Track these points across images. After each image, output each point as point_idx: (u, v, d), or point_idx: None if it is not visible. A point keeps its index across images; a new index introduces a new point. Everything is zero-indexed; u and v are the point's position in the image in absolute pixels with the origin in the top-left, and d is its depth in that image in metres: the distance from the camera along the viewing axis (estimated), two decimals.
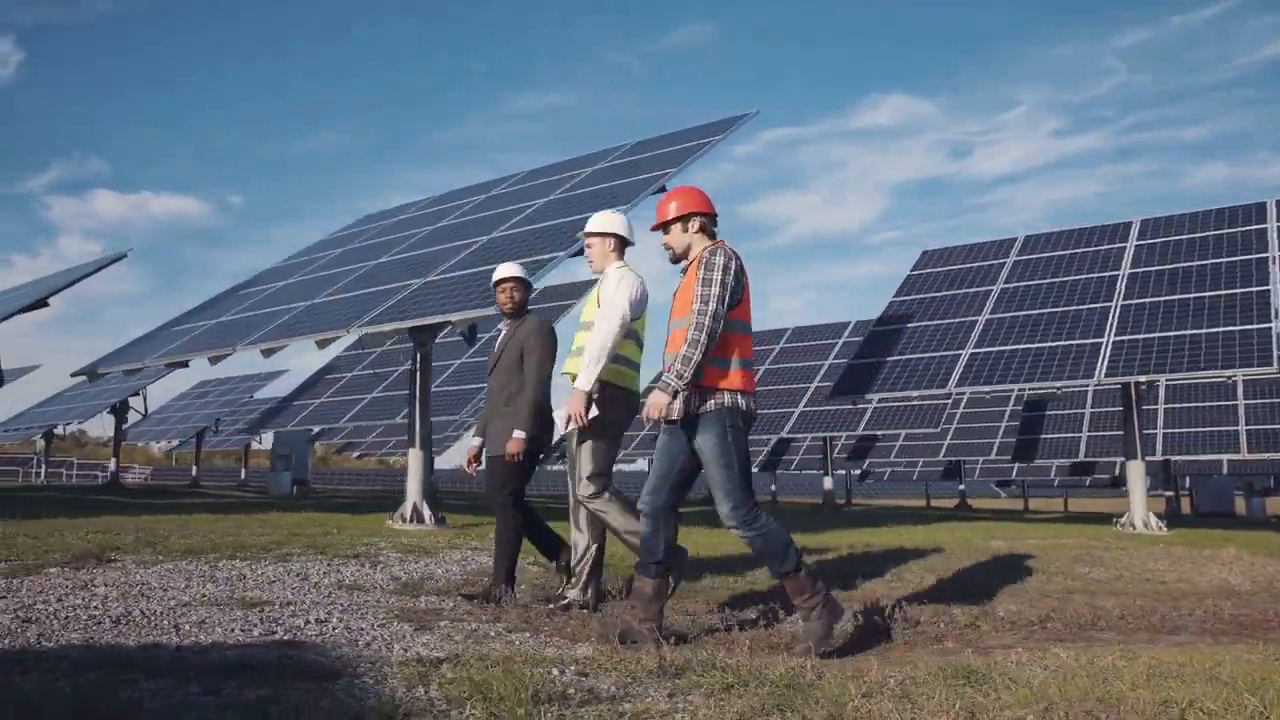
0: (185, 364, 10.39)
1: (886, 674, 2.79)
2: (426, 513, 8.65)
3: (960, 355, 12.64)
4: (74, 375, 13.09)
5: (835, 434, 20.83)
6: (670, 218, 3.84)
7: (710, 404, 3.57)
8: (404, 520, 8.58)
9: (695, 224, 3.83)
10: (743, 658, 3.01)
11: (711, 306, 3.53)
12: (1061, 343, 11.99)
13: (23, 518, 8.07)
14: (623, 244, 4.49)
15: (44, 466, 36.75)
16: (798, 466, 34.40)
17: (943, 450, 28.72)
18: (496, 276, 4.95)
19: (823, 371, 21.54)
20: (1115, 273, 13.22)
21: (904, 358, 13.16)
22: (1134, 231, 14.12)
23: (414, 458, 8.89)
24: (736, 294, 3.64)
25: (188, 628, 3.35)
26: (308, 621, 3.57)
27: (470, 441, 4.99)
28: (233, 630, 3.34)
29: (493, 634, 3.60)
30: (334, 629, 3.48)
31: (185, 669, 2.64)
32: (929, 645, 3.95)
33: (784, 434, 20.71)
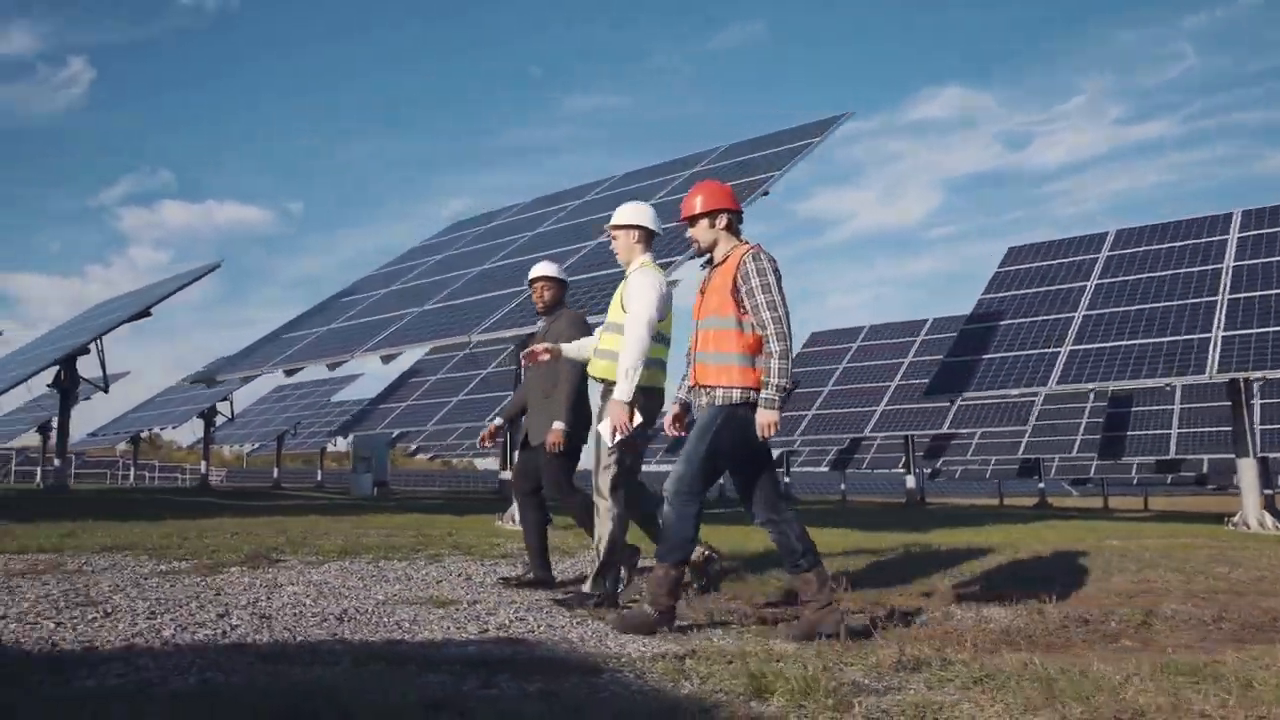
0: (300, 369, 10.73)
1: (1115, 669, 2.82)
2: None
3: (1059, 353, 12.47)
4: (191, 382, 13.56)
5: (920, 432, 20.62)
6: (697, 212, 3.86)
7: (720, 393, 3.67)
8: (513, 521, 8.73)
9: (722, 220, 3.86)
10: (967, 653, 3.07)
11: (781, 312, 3.62)
12: (1166, 338, 11.76)
13: (148, 519, 8.44)
14: (649, 236, 4.48)
15: (132, 469, 38.17)
16: (869, 465, 34.15)
17: (1021, 448, 28.26)
18: (530, 276, 5.09)
19: (903, 369, 21.33)
20: (1218, 266, 12.93)
21: (999, 355, 13.03)
22: (1235, 223, 13.77)
23: None
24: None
25: (407, 624, 3.51)
26: (510, 619, 3.72)
27: (494, 421, 5.31)
28: (448, 628, 3.48)
29: (691, 628, 3.71)
30: (538, 626, 3.62)
31: (439, 663, 2.78)
32: (1106, 644, 3.95)
33: (865, 433, 20.56)
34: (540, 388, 4.82)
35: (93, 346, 17.27)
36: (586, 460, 4.65)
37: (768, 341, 3.63)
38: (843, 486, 35.45)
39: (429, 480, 52.32)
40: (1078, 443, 26.71)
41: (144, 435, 34.63)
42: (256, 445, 35.67)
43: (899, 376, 21.22)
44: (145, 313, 17.78)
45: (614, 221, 4.49)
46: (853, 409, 20.89)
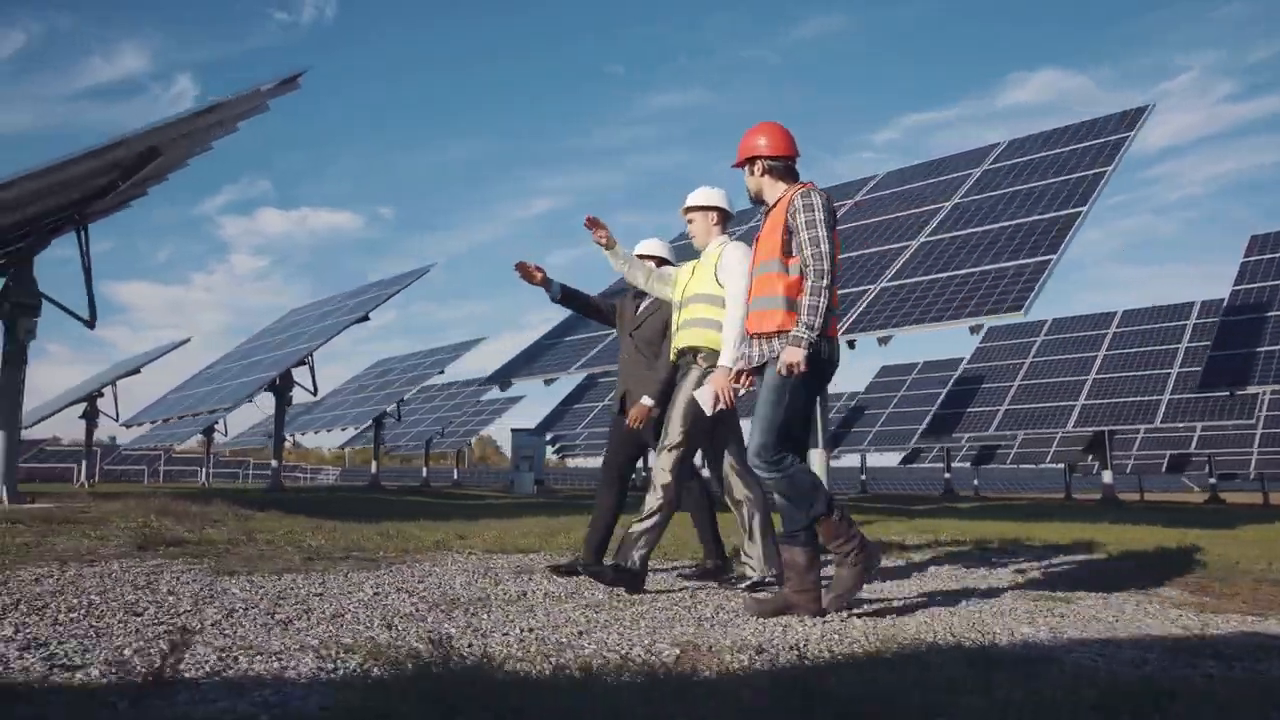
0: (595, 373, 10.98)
1: None
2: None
3: None
4: (484, 384, 14.00)
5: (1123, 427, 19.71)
6: (736, 162, 3.80)
7: (773, 347, 3.49)
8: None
9: (759, 167, 3.73)
10: None
11: (824, 248, 3.43)
12: None
13: (464, 518, 8.66)
14: (725, 217, 4.46)
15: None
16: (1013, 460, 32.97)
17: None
18: (636, 253, 4.95)
19: (1180, 357, 19.96)
20: None
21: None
22: None
23: None
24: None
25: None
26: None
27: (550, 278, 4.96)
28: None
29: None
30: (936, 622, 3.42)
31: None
32: None
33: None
34: (638, 362, 4.67)
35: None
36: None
37: (806, 278, 3.45)
38: (975, 481, 34.30)
39: (573, 479, 52.15)
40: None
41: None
42: (415, 443, 35.88)
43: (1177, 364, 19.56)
44: (364, 318, 18.38)
45: (691, 203, 4.46)
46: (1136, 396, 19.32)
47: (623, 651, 2.74)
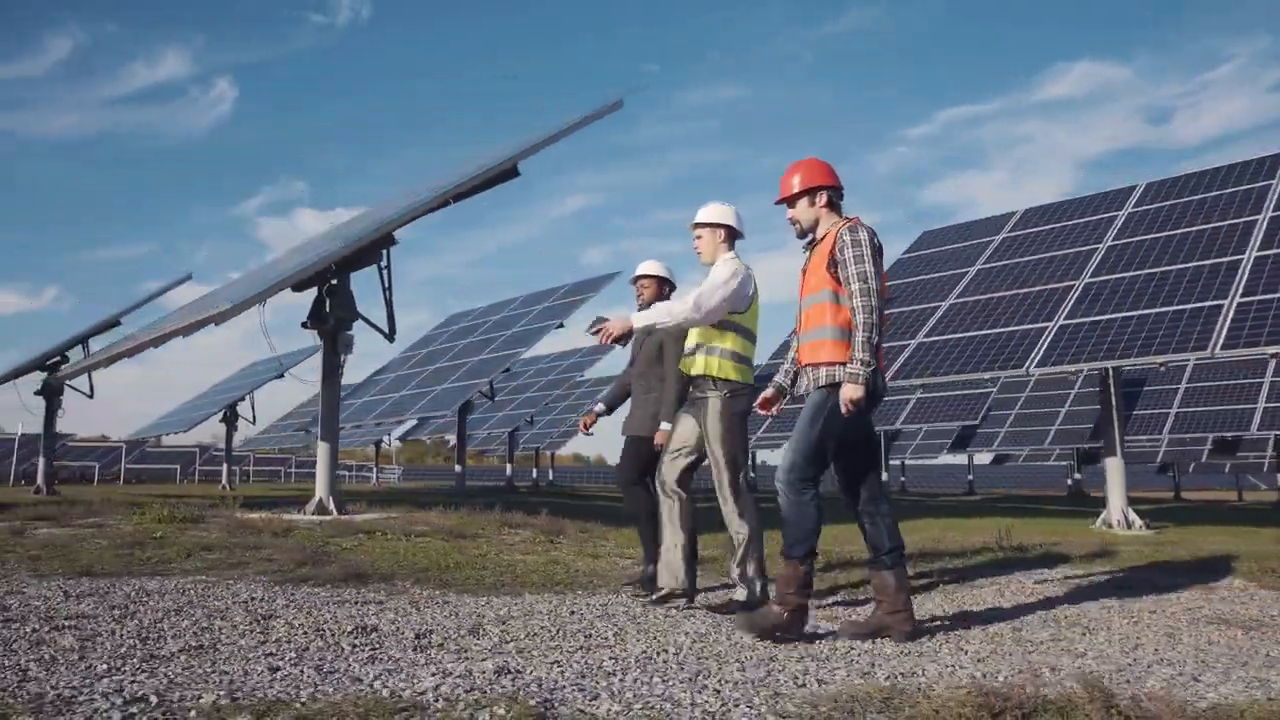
0: None
1: None
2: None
3: None
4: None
5: None
6: (796, 191, 3.74)
7: (820, 378, 3.58)
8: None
9: (822, 198, 3.73)
10: None
11: (873, 284, 3.47)
12: None
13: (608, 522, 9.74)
14: (733, 235, 4.37)
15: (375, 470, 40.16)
16: None
17: None
18: (635, 274, 5.11)
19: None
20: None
21: None
22: None
23: None
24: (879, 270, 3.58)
25: None
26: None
27: (595, 409, 5.35)
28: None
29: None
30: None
31: None
32: None
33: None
34: (642, 384, 4.89)
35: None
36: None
37: (855, 313, 3.49)
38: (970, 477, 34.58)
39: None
40: None
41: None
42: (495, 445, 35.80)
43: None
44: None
45: (699, 219, 4.39)
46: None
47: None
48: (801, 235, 3.83)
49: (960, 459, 36.89)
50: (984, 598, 4.85)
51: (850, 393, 3.43)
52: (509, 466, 30.14)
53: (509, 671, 2.85)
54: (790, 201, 3.77)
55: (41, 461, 16.77)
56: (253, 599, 4.20)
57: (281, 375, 24.21)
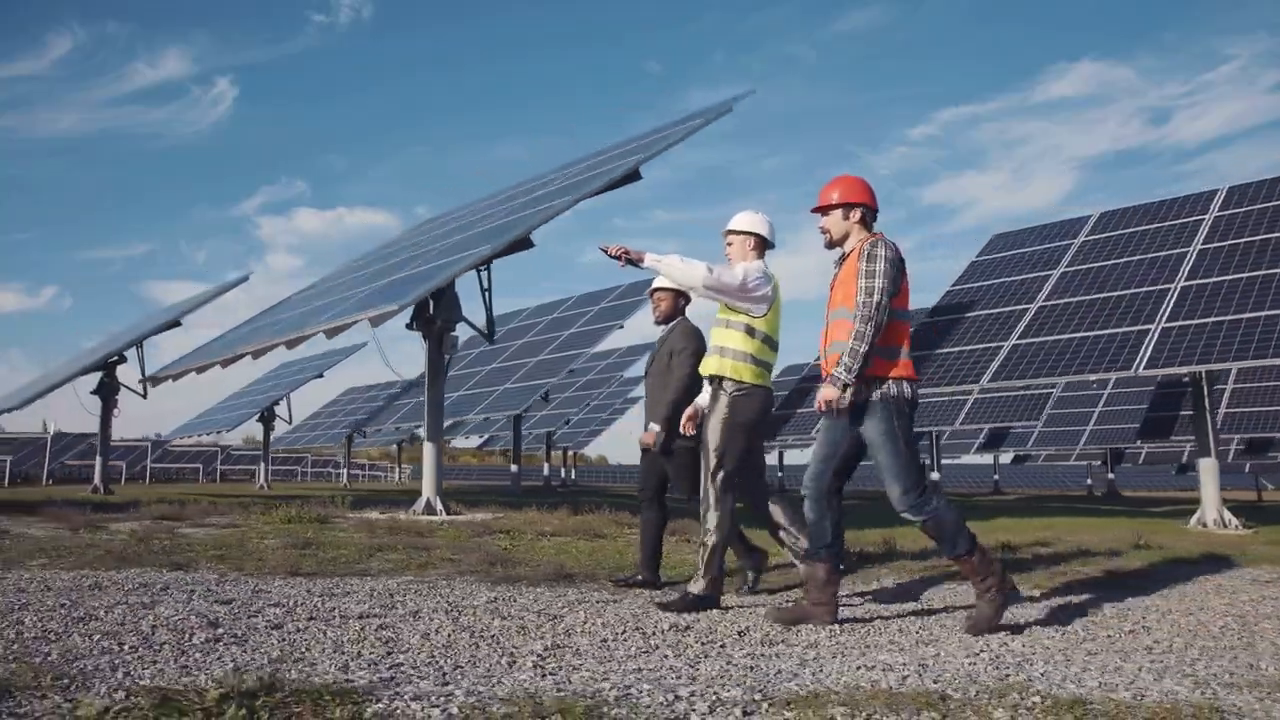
0: None
1: None
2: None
3: None
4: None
5: None
6: (834, 203, 3.85)
7: (876, 392, 3.63)
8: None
9: (856, 214, 3.83)
10: None
11: (876, 299, 3.56)
12: None
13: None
14: (763, 244, 4.37)
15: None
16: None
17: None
18: (650, 286, 5.06)
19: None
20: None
21: None
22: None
23: None
24: (896, 284, 3.66)
25: None
26: None
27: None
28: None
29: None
30: None
31: None
32: None
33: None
34: (656, 392, 4.75)
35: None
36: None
37: (854, 321, 3.59)
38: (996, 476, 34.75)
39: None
40: None
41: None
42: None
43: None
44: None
45: (731, 227, 4.41)
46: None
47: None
48: (829, 246, 3.92)
49: (984, 459, 37.25)
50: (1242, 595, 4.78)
51: (827, 392, 3.58)
52: (546, 466, 31.43)
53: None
54: (825, 210, 3.87)
55: (99, 461, 16.75)
56: (500, 599, 4.17)
57: (321, 375, 24.27)
